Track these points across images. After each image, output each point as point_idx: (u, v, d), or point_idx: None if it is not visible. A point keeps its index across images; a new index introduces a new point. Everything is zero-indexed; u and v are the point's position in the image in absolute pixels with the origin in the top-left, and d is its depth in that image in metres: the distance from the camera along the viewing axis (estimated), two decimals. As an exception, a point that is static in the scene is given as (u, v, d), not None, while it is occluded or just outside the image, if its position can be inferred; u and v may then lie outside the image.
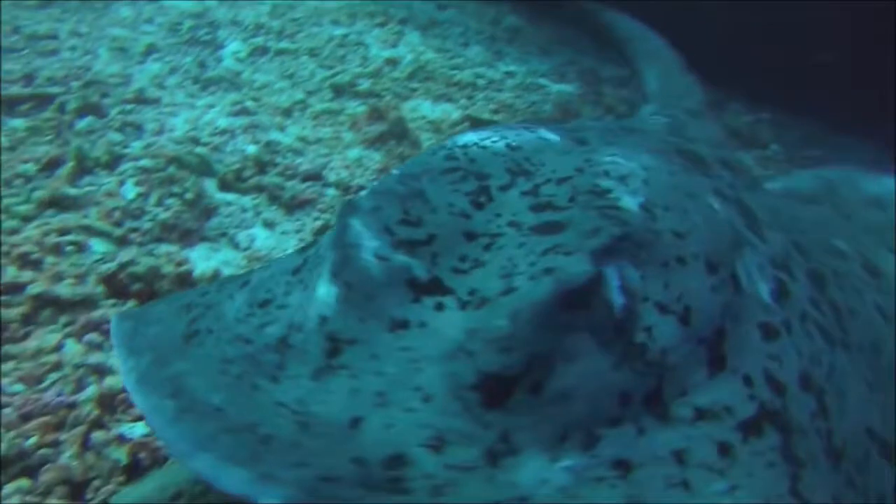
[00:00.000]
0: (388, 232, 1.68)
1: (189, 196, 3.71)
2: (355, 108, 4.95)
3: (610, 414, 1.55)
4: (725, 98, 6.34)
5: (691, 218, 1.86)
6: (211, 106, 4.71)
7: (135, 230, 3.48)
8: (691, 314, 1.70)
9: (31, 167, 3.79)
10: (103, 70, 4.92)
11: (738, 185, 2.32)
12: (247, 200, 3.87)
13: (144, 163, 3.91)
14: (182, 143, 4.17)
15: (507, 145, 1.99)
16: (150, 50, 5.40)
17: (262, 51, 5.62)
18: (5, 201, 3.50)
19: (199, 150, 4.10)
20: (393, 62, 5.70)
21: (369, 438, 1.42)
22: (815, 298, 2.05)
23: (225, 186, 3.90)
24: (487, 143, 1.99)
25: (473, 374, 1.49)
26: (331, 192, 4.03)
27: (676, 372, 1.64)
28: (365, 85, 5.26)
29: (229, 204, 3.81)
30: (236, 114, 4.64)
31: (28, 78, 4.57)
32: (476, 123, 4.82)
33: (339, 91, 5.15)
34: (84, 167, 3.84)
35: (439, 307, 1.58)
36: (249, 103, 4.82)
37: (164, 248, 3.45)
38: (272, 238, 3.66)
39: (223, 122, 4.49)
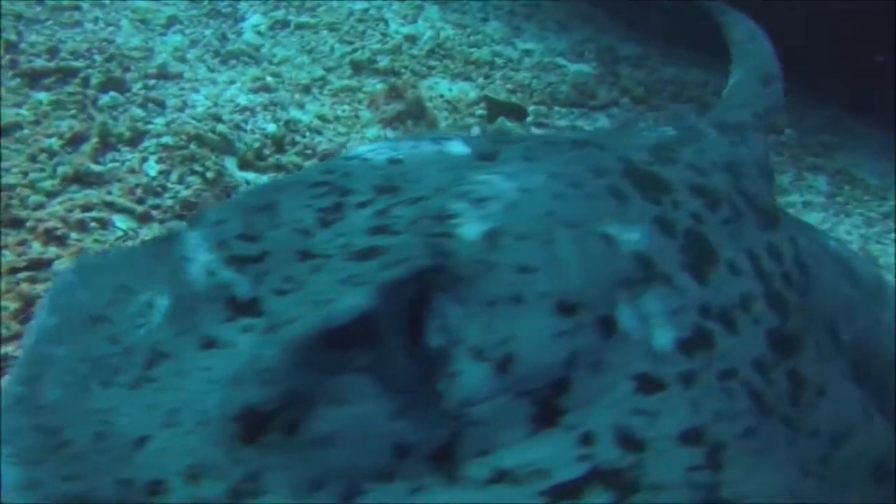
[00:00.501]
0: (222, 246, 1.62)
1: (210, 175, 3.78)
2: (374, 85, 5.00)
3: (381, 466, 1.42)
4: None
5: (555, 251, 1.70)
6: (232, 81, 4.77)
7: (156, 207, 3.56)
8: (514, 362, 1.54)
9: (55, 142, 3.86)
10: (125, 43, 4.97)
11: (708, 217, 2.07)
12: (266, 179, 3.94)
13: (166, 140, 3.98)
14: (203, 120, 4.24)
15: (389, 159, 1.90)
16: (172, 22, 5.44)
17: (283, 24, 5.66)
18: (31, 176, 3.57)
19: (220, 128, 4.16)
20: (412, 39, 5.74)
21: (145, 459, 1.37)
22: (763, 362, 1.83)
23: (245, 165, 3.97)
24: (371, 155, 1.92)
25: (238, 404, 1.41)
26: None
27: (481, 427, 1.49)
28: (384, 62, 5.30)
29: (249, 183, 3.88)
30: (257, 90, 4.70)
31: (52, 51, 4.62)
32: (493, 105, 4.86)
33: (358, 68, 5.20)
34: (107, 143, 3.91)
35: (247, 329, 1.50)
36: (269, 79, 4.87)
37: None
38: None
39: (244, 99, 4.55)
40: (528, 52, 6.00)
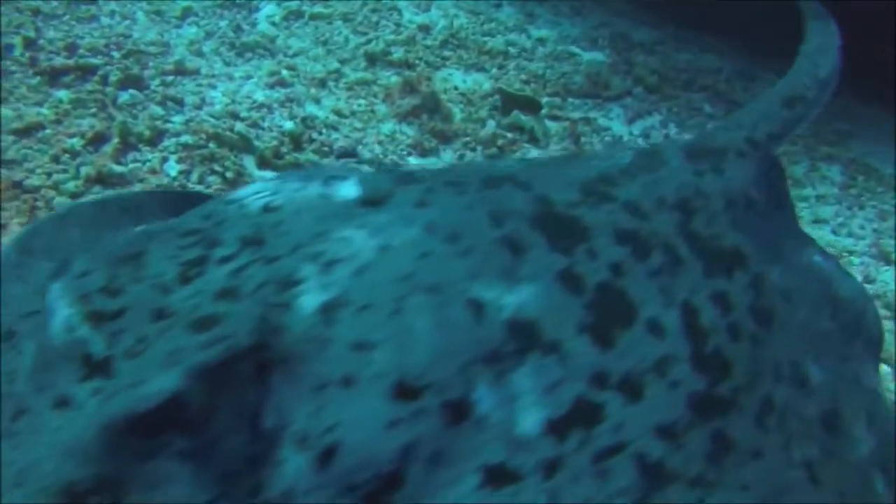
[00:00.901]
0: (84, 300, 1.55)
1: (230, 175, 3.84)
2: (388, 78, 5.03)
3: None
4: (761, 68, 6.34)
5: (404, 323, 1.56)
6: (248, 76, 4.81)
7: (178, 208, 3.62)
8: (339, 453, 1.44)
9: (77, 142, 3.92)
10: (142, 37, 5.01)
11: (632, 267, 1.89)
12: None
13: (186, 139, 4.03)
14: (221, 118, 4.29)
15: (265, 206, 1.76)
16: (186, 13, 5.47)
17: (297, 15, 5.68)
18: (55, 177, 3.64)
19: (238, 126, 4.21)
20: (426, 28, 5.75)
21: None
22: (675, 427, 1.69)
23: (264, 164, 4.03)
24: (249, 200, 1.79)
25: (61, 479, 1.36)
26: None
27: None
28: (398, 54, 5.32)
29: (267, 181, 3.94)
30: (273, 85, 4.74)
31: (70, 48, 4.67)
32: (507, 98, 4.89)
33: (372, 60, 5.22)
34: (128, 143, 3.96)
35: (97, 391, 1.43)
36: (285, 73, 4.91)
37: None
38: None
39: (260, 96, 4.59)
40: (541, 41, 6.01)
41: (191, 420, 1.38)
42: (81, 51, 4.69)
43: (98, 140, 3.95)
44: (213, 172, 3.85)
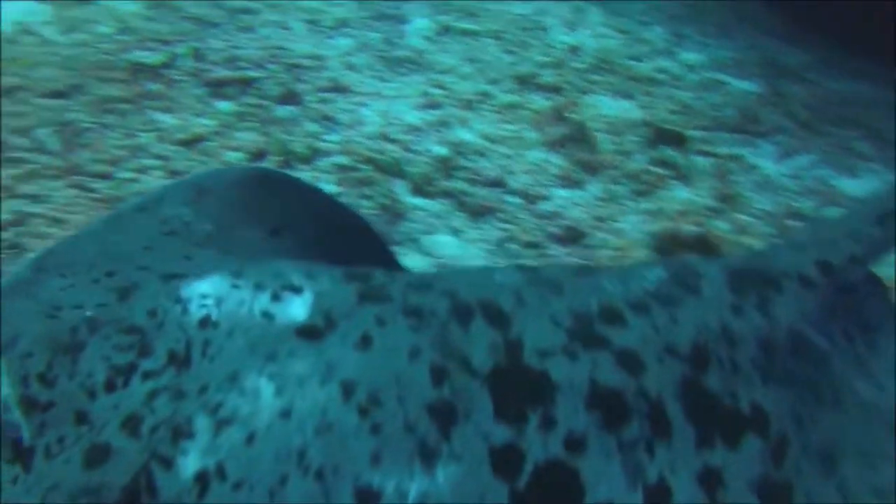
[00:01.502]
0: (23, 383, 1.54)
1: (382, 199, 3.92)
2: (537, 102, 5.03)
3: None
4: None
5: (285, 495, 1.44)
6: (399, 95, 4.89)
7: (331, 231, 3.73)
8: None
9: (240, 156, 4.07)
10: (297, 49, 5.15)
11: (595, 441, 1.57)
12: (434, 205, 4.05)
13: (340, 160, 4.14)
14: (374, 139, 4.38)
15: (203, 318, 1.65)
16: (340, 24, 5.60)
17: (447, 30, 5.74)
18: (217, 193, 3.79)
19: (391, 149, 4.29)
20: (574, 50, 5.73)
21: None
22: None
23: (415, 190, 4.09)
24: (195, 304, 1.67)
25: None
26: (512, 199, 4.16)
27: None
28: (547, 77, 5.32)
29: (418, 208, 4.00)
30: (424, 107, 4.81)
31: (231, 59, 4.84)
32: (654, 130, 4.83)
33: (521, 82, 5.23)
34: (286, 161, 4.09)
35: (14, 481, 1.45)
36: (435, 92, 4.97)
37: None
38: (459, 246, 3.84)
39: (412, 118, 4.66)
40: (690, 67, 5.90)
41: None
42: (242, 62, 4.87)
43: (259, 156, 4.09)
44: (366, 197, 3.93)
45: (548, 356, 1.64)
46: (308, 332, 1.61)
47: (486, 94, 5.05)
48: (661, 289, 1.85)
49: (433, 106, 4.84)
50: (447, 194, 4.10)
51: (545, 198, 4.21)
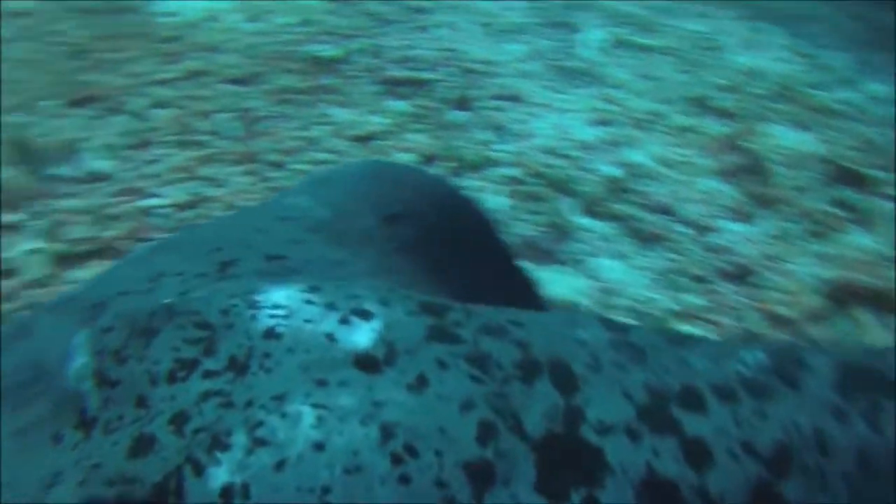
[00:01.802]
0: (98, 356, 1.62)
1: (550, 216, 3.87)
2: (711, 127, 4.88)
3: None
4: None
5: None
6: (571, 109, 4.83)
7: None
8: None
9: (411, 158, 4.10)
10: (471, 53, 5.15)
11: None
12: (602, 227, 3.98)
13: (510, 171, 4.12)
14: (545, 152, 4.34)
15: (269, 329, 1.65)
16: (513, 29, 5.57)
17: (622, 43, 5.64)
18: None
19: (561, 165, 4.24)
20: (751, 73, 5.53)
21: None
22: None
23: (583, 210, 4.03)
24: (265, 315, 1.69)
25: None
26: (681, 229, 4.05)
27: None
28: (722, 100, 5.16)
29: (585, 229, 3.94)
30: (595, 123, 4.73)
31: (407, 59, 4.88)
32: (838, 170, 4.61)
33: (695, 104, 5.09)
34: (457, 168, 4.10)
35: (74, 446, 1.52)
36: (607, 108, 4.89)
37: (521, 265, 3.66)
38: (624, 271, 3.76)
39: (584, 134, 4.60)
40: (875, 99, 5.61)
41: None
42: (416, 63, 4.90)
43: (430, 159, 4.11)
44: (533, 212, 3.90)
45: (608, 432, 1.52)
46: (365, 363, 1.57)
47: (658, 114, 4.93)
48: (757, 376, 1.66)
49: (605, 122, 4.76)
50: (616, 217, 4.02)
51: (715, 230, 4.08)
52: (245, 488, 1.41)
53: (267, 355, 1.58)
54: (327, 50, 5.08)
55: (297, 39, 5.23)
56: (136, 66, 5.45)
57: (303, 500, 1.40)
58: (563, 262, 3.75)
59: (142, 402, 1.54)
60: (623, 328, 1.71)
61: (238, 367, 1.57)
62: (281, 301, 1.68)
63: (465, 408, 1.50)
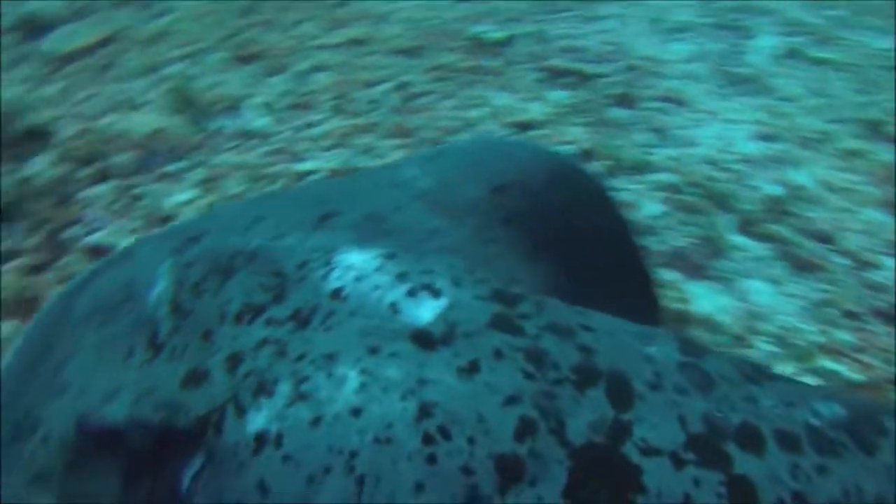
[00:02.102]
0: (178, 287, 1.74)
1: (704, 230, 3.75)
2: (882, 155, 4.62)
3: None
4: None
5: (305, 499, 1.48)
6: (736, 120, 4.65)
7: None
8: None
9: (571, 149, 4.03)
10: (637, 49, 5.02)
11: None
12: (757, 247, 3.83)
13: (667, 178, 4.00)
14: (707, 163, 4.20)
15: (336, 290, 1.66)
16: (682, 27, 5.40)
17: (795, 53, 5.38)
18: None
19: (721, 178, 4.10)
20: (933, 101, 5.21)
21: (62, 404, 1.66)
22: None
23: (739, 227, 3.89)
24: (336, 275, 1.70)
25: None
26: (838, 259, 3.86)
27: None
28: (898, 127, 4.88)
29: (739, 248, 3.80)
30: (760, 137, 4.55)
31: (571, 49, 4.79)
32: None
33: (868, 127, 4.82)
34: (613, 168, 4.01)
35: (141, 365, 1.64)
36: (774, 122, 4.69)
37: (669, 275, 3.56)
38: (773, 296, 3.61)
39: (747, 148, 4.43)
40: None
41: (124, 451, 1.56)
42: (580, 54, 4.81)
43: (586, 155, 4.03)
44: (687, 223, 3.78)
45: (652, 454, 1.43)
46: (421, 339, 1.56)
47: (827, 135, 4.70)
48: (828, 430, 1.53)
49: (770, 137, 4.57)
50: (772, 238, 3.86)
51: (875, 265, 3.87)
52: (279, 438, 1.44)
53: (330, 314, 1.62)
54: (491, 31, 5.04)
55: (462, 17, 5.22)
56: (303, 28, 5.55)
57: (330, 460, 1.41)
58: (711, 279, 3.63)
59: (207, 336, 1.64)
60: (698, 353, 1.62)
61: (300, 320, 1.62)
62: (355, 264, 1.72)
63: (509, 401, 1.46)
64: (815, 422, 1.52)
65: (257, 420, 1.48)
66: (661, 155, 4.19)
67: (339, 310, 1.63)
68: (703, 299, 3.51)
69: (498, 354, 1.53)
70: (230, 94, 4.88)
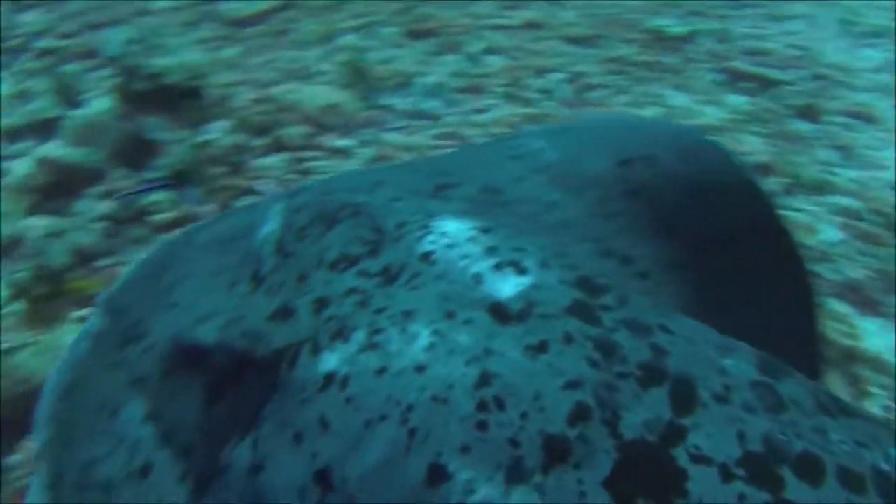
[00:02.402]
0: (285, 229, 1.87)
1: (885, 263, 3.57)
2: None
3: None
4: None
5: (358, 442, 1.59)
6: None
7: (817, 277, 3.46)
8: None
9: (746, 161, 3.88)
10: (825, 55, 4.77)
11: None
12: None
13: (850, 202, 3.81)
14: (893, 190, 3.97)
15: (429, 252, 1.74)
16: (875, 32, 5.09)
17: None
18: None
19: (905, 207, 3.87)
20: None
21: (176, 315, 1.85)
22: None
23: (918, 263, 3.68)
24: (430, 239, 1.76)
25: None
26: None
27: None
28: None
29: (918, 283, 3.60)
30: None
31: (753, 51, 4.59)
32: None
33: None
34: (791, 185, 3.85)
35: (243, 296, 1.79)
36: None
37: (840, 307, 3.41)
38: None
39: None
40: None
41: (210, 369, 1.70)
42: (764, 57, 4.60)
43: (763, 169, 3.88)
44: (865, 253, 3.60)
45: (700, 462, 1.42)
46: (498, 312, 1.61)
47: None
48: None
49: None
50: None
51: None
52: (345, 380, 1.55)
53: (416, 275, 1.70)
54: (673, 26, 4.89)
55: (642, 7, 5.07)
56: (478, 6, 5.51)
57: (388, 409, 1.50)
58: (886, 316, 3.46)
59: (302, 278, 1.76)
60: (777, 375, 1.58)
61: (388, 276, 1.71)
62: (450, 232, 1.79)
63: (569, 385, 1.49)
64: (884, 466, 1.46)
65: (329, 361, 1.59)
66: (843, 176, 3.98)
67: (426, 272, 1.71)
68: (875, 337, 3.35)
69: (568, 339, 1.57)
70: (402, 70, 4.91)
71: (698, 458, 1.41)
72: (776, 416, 1.49)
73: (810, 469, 1.43)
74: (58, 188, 3.89)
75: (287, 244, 1.86)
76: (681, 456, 1.41)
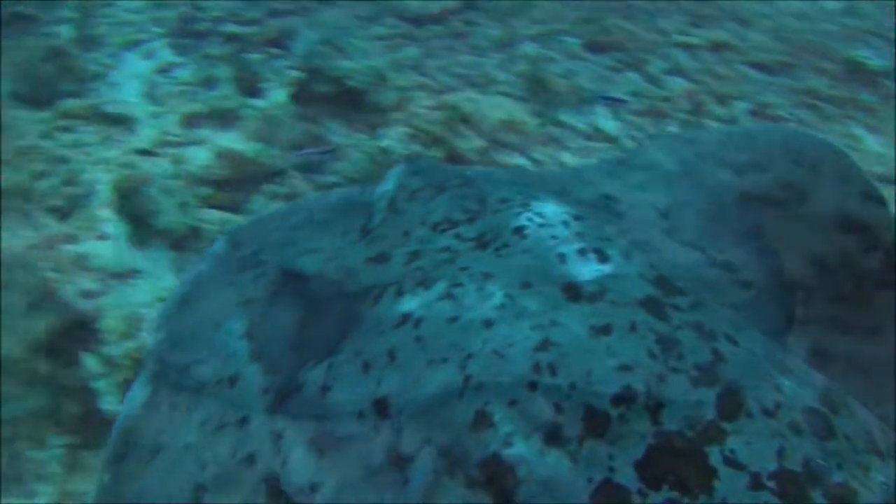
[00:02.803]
0: (399, 189, 2.08)
1: None
2: None
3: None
4: None
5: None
6: None
7: None
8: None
9: None
10: None
11: None
12: None
13: None
14: None
15: (521, 227, 1.91)
16: None
17: None
18: None
19: None
20: None
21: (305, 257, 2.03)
22: None
23: None
24: (526, 217, 1.92)
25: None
26: None
27: None
28: None
29: None
30: None
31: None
32: None
33: None
34: None
35: (347, 242, 2.03)
36: None
37: None
38: None
39: None
40: None
41: (307, 295, 1.92)
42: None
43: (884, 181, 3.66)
44: None
45: (733, 465, 1.50)
46: (571, 291, 1.73)
47: None
48: None
49: None
50: None
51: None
52: (419, 321, 1.71)
53: (505, 245, 1.86)
54: (872, 58, 4.62)
55: (841, 34, 4.82)
56: (665, 21, 5.37)
57: (451, 353, 1.64)
58: None
59: (406, 234, 1.97)
60: (837, 409, 1.65)
61: (481, 242, 1.89)
62: (545, 213, 1.94)
63: (622, 369, 1.58)
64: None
65: (409, 303, 1.76)
66: None
67: (515, 244, 1.86)
68: None
69: (632, 328, 1.66)
70: (582, 85, 4.86)
71: (731, 462, 1.48)
72: (823, 443, 1.55)
73: (844, 499, 1.50)
74: (234, 182, 4.01)
75: (399, 202, 2.06)
76: (714, 455, 1.49)
